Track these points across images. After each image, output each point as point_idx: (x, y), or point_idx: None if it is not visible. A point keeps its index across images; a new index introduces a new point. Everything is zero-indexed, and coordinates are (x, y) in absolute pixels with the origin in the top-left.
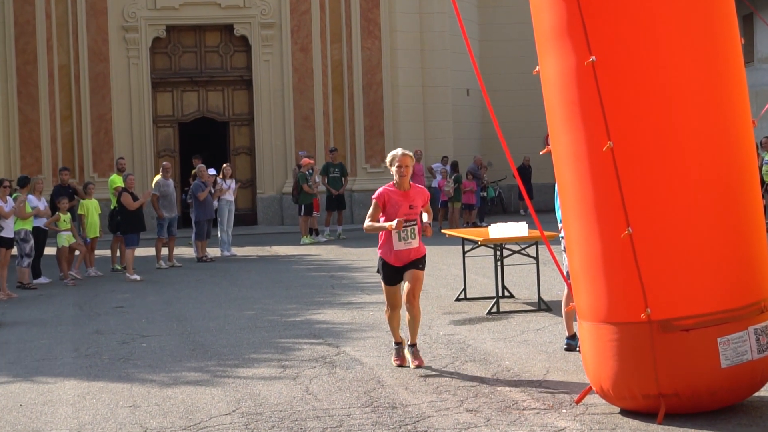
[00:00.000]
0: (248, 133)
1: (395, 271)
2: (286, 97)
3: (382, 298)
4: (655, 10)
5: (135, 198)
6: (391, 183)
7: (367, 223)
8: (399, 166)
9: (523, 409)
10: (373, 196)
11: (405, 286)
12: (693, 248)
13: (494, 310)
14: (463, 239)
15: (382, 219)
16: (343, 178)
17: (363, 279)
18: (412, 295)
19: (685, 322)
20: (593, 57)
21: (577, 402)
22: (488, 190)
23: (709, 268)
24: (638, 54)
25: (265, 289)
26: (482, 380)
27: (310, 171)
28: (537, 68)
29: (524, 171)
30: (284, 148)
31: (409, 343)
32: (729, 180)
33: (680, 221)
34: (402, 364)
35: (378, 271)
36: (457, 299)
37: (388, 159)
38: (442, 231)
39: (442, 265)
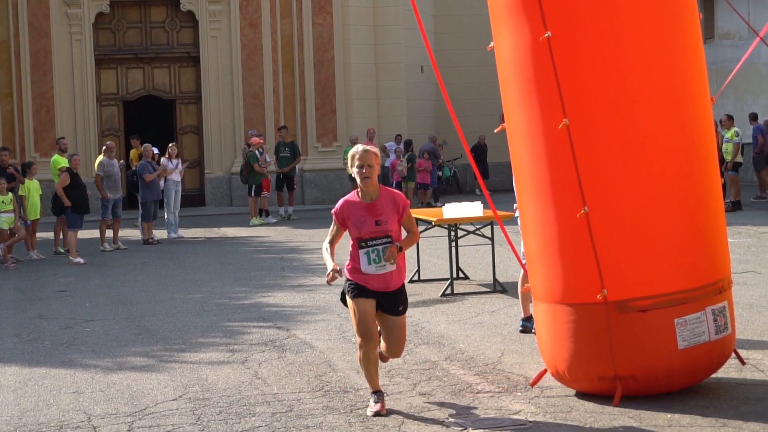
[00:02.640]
0: (195, 111)
1: (369, 291)
2: (235, 74)
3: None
4: None
5: (75, 180)
6: (354, 192)
7: (324, 243)
8: (360, 166)
9: (478, 393)
10: (332, 210)
11: (383, 334)
12: (650, 228)
13: (448, 291)
14: (417, 220)
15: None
16: (294, 158)
17: (314, 261)
18: (393, 354)
19: (642, 303)
20: (549, 32)
21: (532, 385)
22: (443, 169)
23: (666, 248)
24: (594, 29)
25: (213, 272)
26: (436, 363)
27: (261, 150)
28: (491, 44)
29: (479, 150)
30: (233, 127)
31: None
32: (687, 159)
33: (637, 200)
34: (381, 411)
35: (348, 291)
36: (411, 281)
37: (347, 158)
38: None
39: None
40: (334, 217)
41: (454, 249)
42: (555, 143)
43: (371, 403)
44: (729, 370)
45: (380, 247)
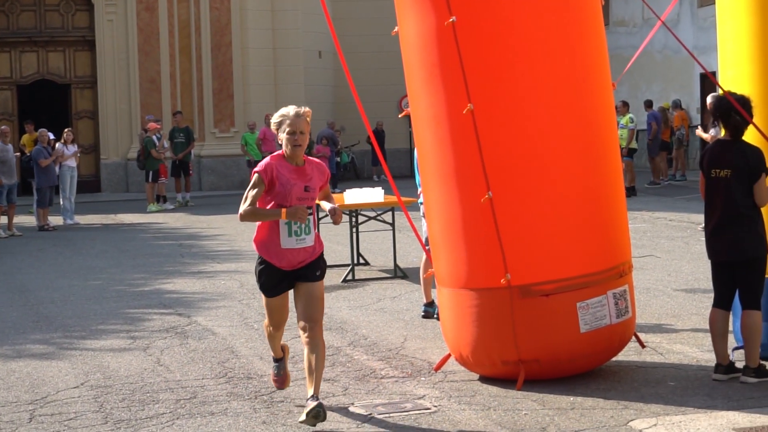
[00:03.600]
0: (91, 96)
1: (281, 277)
2: (131, 58)
3: (234, 266)
4: None
5: None
6: (279, 153)
7: (246, 207)
8: (291, 133)
9: (382, 378)
10: (256, 169)
11: (298, 308)
12: (553, 213)
13: (350, 277)
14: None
15: (269, 205)
16: (189, 143)
17: (213, 247)
18: (312, 322)
19: (545, 287)
20: (453, 17)
21: (436, 369)
22: (342, 155)
23: (568, 232)
24: (499, 15)
25: (111, 258)
26: (339, 349)
27: (158, 136)
28: (396, 29)
29: (378, 136)
30: (129, 112)
31: (309, 394)
32: (589, 143)
33: (540, 185)
34: (283, 386)
35: (257, 278)
36: None
37: (274, 120)
38: None
39: None
40: (258, 175)
41: (355, 235)
42: (460, 128)
43: (272, 371)
44: (629, 353)
45: (305, 220)
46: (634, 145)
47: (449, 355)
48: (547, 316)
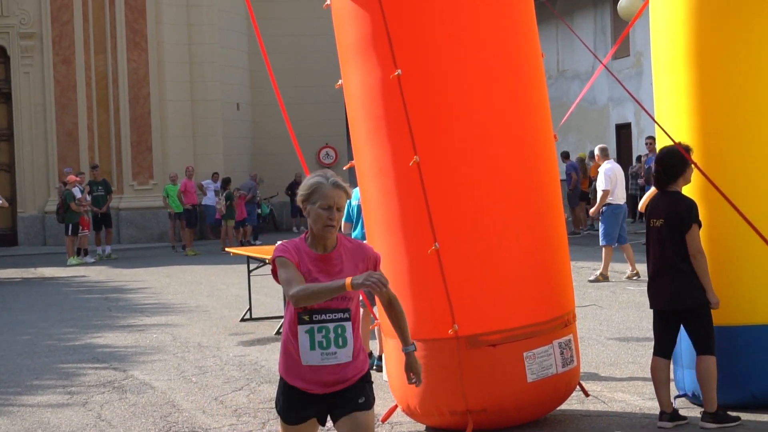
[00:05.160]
0: (8, 149)
1: (305, 402)
2: (48, 111)
3: (163, 319)
4: (461, 24)
5: None
6: (302, 235)
7: (296, 289)
8: (326, 207)
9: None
10: (274, 255)
11: None
12: (499, 264)
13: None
14: (248, 257)
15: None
16: (108, 196)
17: (140, 300)
18: None
19: (492, 338)
20: (399, 70)
21: (383, 420)
22: (262, 207)
23: (514, 283)
24: (444, 68)
25: (38, 312)
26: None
27: (80, 188)
28: (340, 82)
29: (296, 188)
30: (46, 164)
31: None
32: (533, 195)
33: (486, 236)
34: None
35: (275, 402)
36: (243, 319)
37: (303, 191)
38: (226, 249)
39: (221, 285)
40: (281, 257)
41: None
42: (406, 180)
43: None
44: (573, 403)
45: (331, 326)
46: None
47: (396, 406)
48: (494, 366)
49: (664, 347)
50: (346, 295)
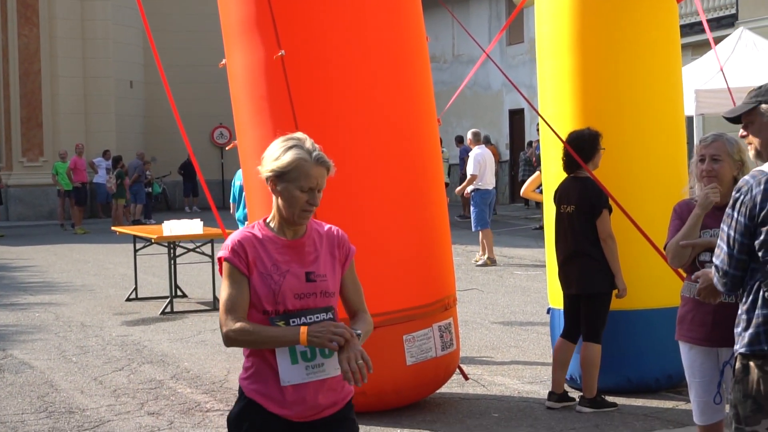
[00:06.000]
0: None
1: (283, 429)
2: None
3: (47, 298)
4: (346, 7)
5: None
6: (258, 222)
7: (233, 325)
8: (308, 189)
9: (207, 411)
10: (222, 254)
11: None
12: (380, 249)
13: (168, 310)
14: (135, 237)
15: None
16: None
17: (24, 279)
18: None
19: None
20: (282, 51)
21: None
22: (153, 186)
23: (395, 267)
24: (328, 49)
25: None
26: (161, 382)
27: None
28: (223, 61)
29: (189, 167)
30: None
31: None
32: (415, 179)
33: (368, 219)
34: None
35: (233, 428)
36: (128, 299)
37: (278, 163)
38: (112, 228)
39: (109, 264)
40: (229, 264)
41: (173, 267)
42: None
43: None
44: (453, 386)
45: (319, 333)
46: (446, 179)
47: None
48: (373, 348)
49: (570, 331)
50: (328, 289)
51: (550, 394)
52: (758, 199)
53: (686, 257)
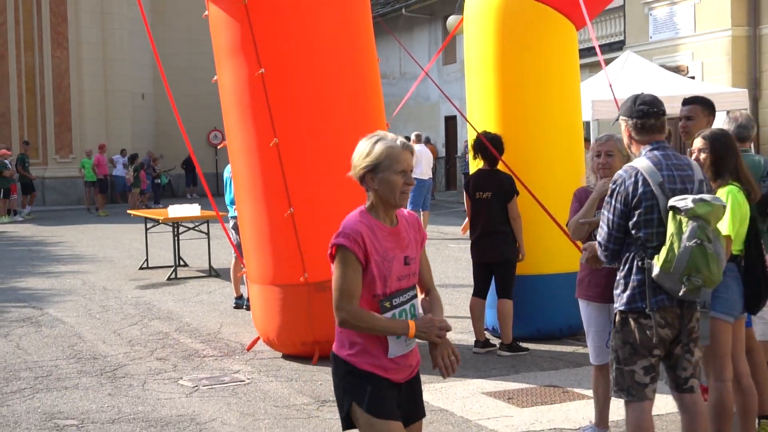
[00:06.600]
0: None
1: (393, 393)
2: None
3: (76, 267)
4: (312, 35)
5: None
6: (361, 208)
7: (350, 308)
8: (402, 172)
9: (204, 357)
10: (338, 240)
11: None
12: (340, 223)
13: (173, 276)
14: (146, 218)
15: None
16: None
17: (57, 252)
18: None
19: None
20: (263, 69)
21: (248, 349)
22: (161, 177)
23: None
24: (300, 67)
25: None
26: (167, 334)
27: (9, 161)
28: (215, 77)
29: (189, 163)
30: None
31: None
32: None
33: (330, 202)
34: None
35: (354, 398)
36: (141, 268)
37: (369, 159)
38: (128, 212)
39: (125, 240)
40: (345, 250)
41: (176, 242)
42: (267, 157)
43: None
44: None
45: (407, 306)
46: None
47: (258, 338)
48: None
49: (481, 290)
50: (416, 270)
51: (476, 342)
52: (630, 189)
53: (584, 232)
